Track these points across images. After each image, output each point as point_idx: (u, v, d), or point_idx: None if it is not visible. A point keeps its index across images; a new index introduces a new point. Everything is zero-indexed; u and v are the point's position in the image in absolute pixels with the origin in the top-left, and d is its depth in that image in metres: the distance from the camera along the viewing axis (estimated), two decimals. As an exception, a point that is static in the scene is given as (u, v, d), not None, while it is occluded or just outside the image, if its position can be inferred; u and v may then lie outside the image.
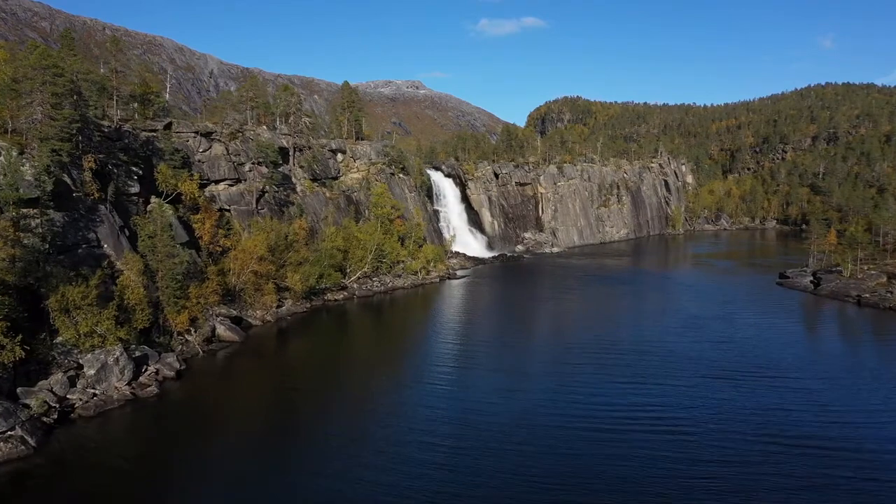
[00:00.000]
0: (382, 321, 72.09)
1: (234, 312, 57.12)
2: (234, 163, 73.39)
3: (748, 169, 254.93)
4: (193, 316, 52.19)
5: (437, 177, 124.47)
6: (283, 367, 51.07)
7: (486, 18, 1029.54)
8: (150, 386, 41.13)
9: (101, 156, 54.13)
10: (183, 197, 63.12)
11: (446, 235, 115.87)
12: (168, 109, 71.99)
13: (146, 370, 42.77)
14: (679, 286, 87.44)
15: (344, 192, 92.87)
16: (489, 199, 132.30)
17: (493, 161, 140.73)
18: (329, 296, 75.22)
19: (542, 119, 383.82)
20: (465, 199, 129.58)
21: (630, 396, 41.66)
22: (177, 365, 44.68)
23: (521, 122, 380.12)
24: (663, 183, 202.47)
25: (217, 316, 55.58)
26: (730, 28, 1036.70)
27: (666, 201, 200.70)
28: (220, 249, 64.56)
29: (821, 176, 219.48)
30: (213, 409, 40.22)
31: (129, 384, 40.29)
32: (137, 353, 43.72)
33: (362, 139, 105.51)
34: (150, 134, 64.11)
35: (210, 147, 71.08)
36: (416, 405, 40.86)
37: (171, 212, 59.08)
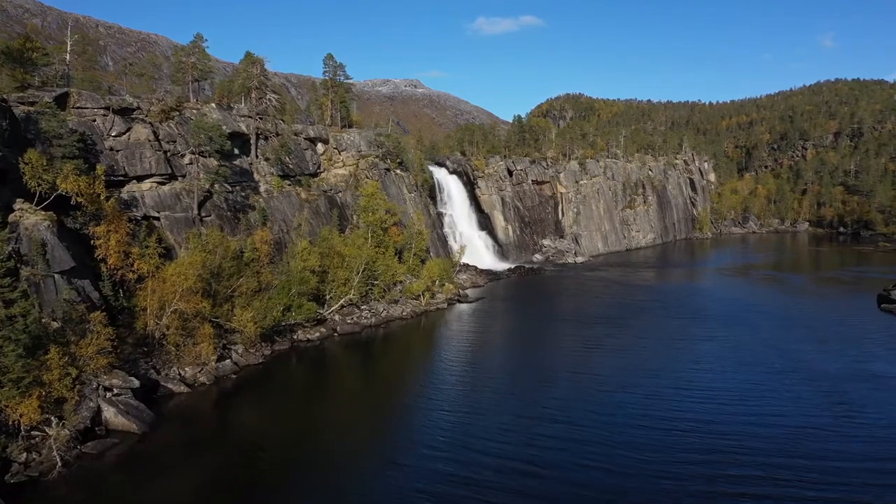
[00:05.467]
0: (373, 371, 51.55)
1: (136, 382, 36.31)
2: (165, 152, 52.87)
3: (765, 167, 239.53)
4: (58, 396, 31.80)
5: (440, 174, 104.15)
6: (206, 488, 30.35)
7: (482, 17, 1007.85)
8: None
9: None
10: (80, 200, 42.76)
11: (453, 244, 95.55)
12: (69, 76, 51.67)
13: None
14: (762, 316, 65.80)
15: (325, 191, 72.46)
16: (502, 199, 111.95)
17: (506, 156, 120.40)
18: (300, 334, 54.90)
19: (543, 116, 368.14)
20: (473, 199, 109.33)
21: None
22: (-17, 514, 24.19)
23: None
24: (688, 182, 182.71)
25: (107, 390, 35.05)
26: (729, 27, 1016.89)
27: (692, 202, 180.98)
28: (136, 277, 44.22)
29: (852, 174, 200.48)
30: None
31: None
32: None
33: (351, 127, 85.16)
34: (30, 109, 43.65)
35: (129, 130, 50.49)
36: None
37: (45, 223, 38.62)
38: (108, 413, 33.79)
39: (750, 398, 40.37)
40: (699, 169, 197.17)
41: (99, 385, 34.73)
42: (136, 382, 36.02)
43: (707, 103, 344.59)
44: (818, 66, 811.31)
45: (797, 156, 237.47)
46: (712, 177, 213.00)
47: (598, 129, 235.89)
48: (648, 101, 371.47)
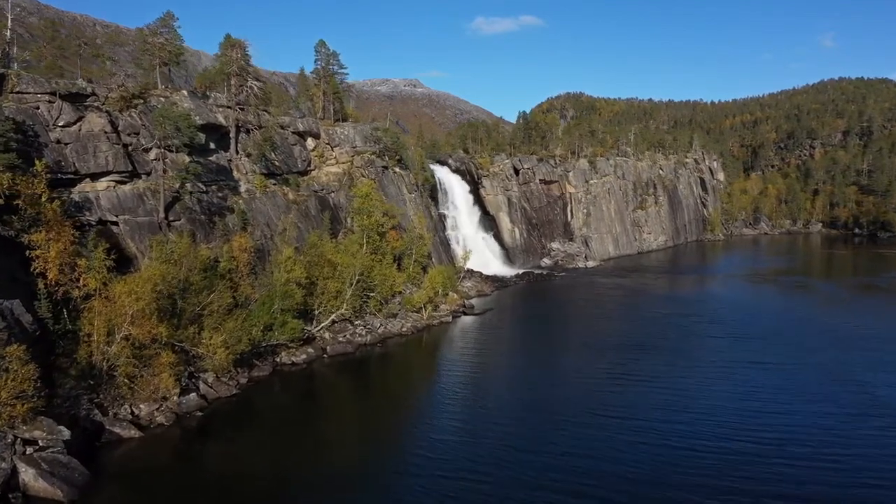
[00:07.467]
0: (368, 401, 43.96)
1: (66, 433, 28.73)
2: (126, 146, 45.47)
3: (772, 166, 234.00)
4: (-46, 459, 24.44)
5: (442, 173, 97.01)
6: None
7: (482, 17, 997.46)
8: None
9: None
10: (16, 202, 35.47)
11: (456, 248, 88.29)
12: (10, 56, 44.25)
13: None
14: (807, 334, 57.44)
15: (315, 192, 65.10)
16: (508, 200, 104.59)
17: (511, 154, 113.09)
18: (284, 356, 47.54)
19: (544, 115, 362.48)
20: (478, 200, 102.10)
21: None
22: None
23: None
24: (699, 181, 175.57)
25: (27, 444, 27.67)
26: (729, 27, 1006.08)
27: (702, 202, 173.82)
28: (82, 294, 36.82)
29: (865, 173, 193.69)
30: None
31: None
32: None
33: (345, 121, 77.81)
34: (-46, 91, 36.32)
35: (81, 119, 43.07)
36: None
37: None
38: (27, 475, 26.40)
39: (829, 454, 32.04)
40: (709, 168, 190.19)
41: (16, 438, 27.35)
42: (65, 433, 28.57)
43: (709, 102, 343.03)
44: (818, 66, 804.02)
45: (805, 155, 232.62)
46: (721, 176, 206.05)
47: (604, 126, 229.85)
48: (650, 100, 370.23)
